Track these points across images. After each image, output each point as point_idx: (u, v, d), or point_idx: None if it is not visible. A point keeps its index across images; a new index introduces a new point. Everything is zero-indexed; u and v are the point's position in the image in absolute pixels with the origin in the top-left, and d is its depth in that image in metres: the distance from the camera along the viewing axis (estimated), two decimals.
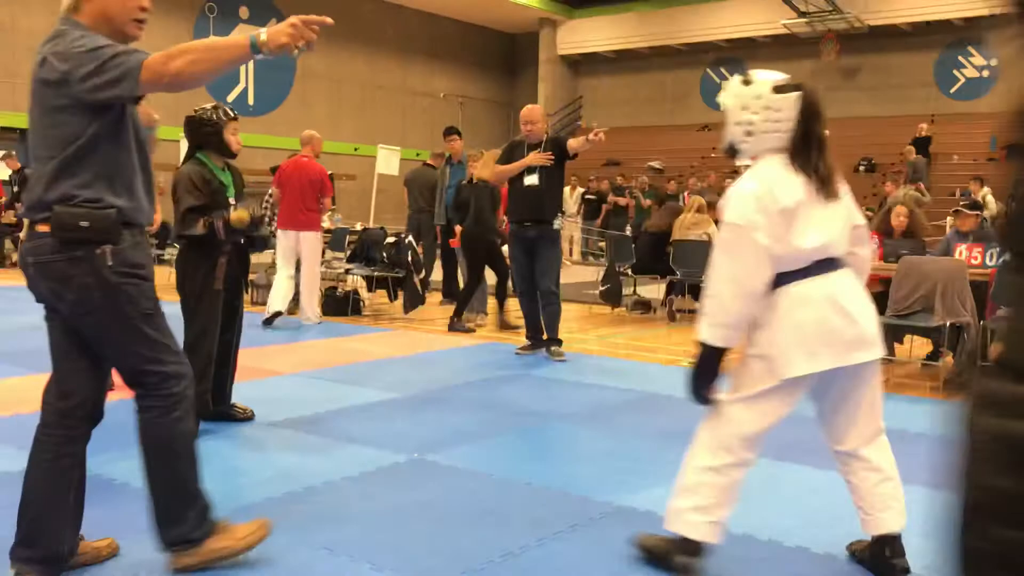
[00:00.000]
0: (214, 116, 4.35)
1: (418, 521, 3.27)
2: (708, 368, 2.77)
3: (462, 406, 5.17)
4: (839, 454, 2.92)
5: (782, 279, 2.74)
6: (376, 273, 8.91)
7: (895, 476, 2.91)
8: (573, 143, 6.66)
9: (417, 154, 19.27)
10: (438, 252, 10.25)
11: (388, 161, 12.07)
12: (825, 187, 2.76)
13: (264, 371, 5.93)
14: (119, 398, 5.09)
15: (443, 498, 3.55)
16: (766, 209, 2.68)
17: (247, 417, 4.63)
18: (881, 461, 2.90)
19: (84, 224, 2.55)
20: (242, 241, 4.48)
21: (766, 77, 2.81)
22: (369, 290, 9.21)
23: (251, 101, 20.82)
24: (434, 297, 10.11)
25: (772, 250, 2.68)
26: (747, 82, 2.82)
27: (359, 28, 22.95)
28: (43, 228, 2.60)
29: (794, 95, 2.76)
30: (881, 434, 2.91)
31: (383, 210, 10.24)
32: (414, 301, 8.84)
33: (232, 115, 4.43)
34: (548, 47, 25.44)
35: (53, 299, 2.65)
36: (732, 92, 2.84)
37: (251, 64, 20.64)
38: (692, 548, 2.82)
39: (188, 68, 2.47)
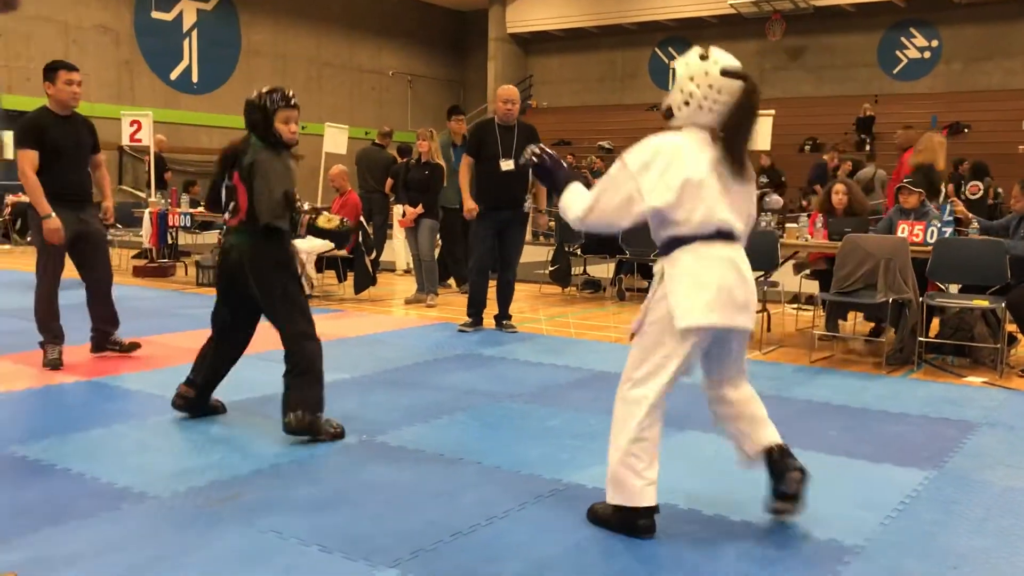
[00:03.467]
0: (265, 102, 4.03)
1: (367, 503, 3.26)
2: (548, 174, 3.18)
3: (412, 387, 5.16)
4: (709, 399, 3.14)
5: (687, 240, 2.89)
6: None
7: (758, 400, 3.11)
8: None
9: (366, 133, 19.07)
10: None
11: (336, 140, 11.88)
12: (740, 170, 2.91)
13: None
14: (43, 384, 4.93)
15: (392, 479, 3.54)
16: (662, 169, 2.84)
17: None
18: (742, 393, 3.09)
19: None
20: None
21: (720, 57, 2.91)
22: (318, 271, 9.11)
23: (195, 79, 20.38)
24: (384, 278, 10.05)
25: (643, 205, 2.85)
26: (704, 56, 2.92)
27: (305, 4, 22.58)
28: None
29: (738, 84, 2.87)
30: (744, 375, 3.12)
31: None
32: (364, 282, 8.77)
33: (287, 102, 4.05)
34: (497, 25, 25.31)
35: None
36: (686, 61, 2.96)
37: (194, 40, 20.22)
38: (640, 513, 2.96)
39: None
